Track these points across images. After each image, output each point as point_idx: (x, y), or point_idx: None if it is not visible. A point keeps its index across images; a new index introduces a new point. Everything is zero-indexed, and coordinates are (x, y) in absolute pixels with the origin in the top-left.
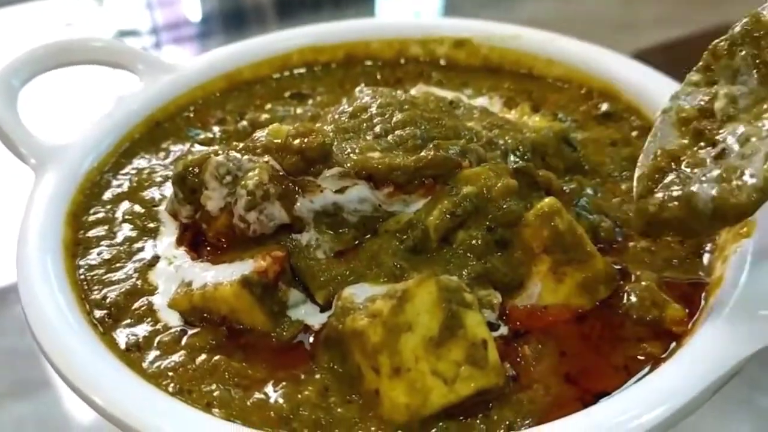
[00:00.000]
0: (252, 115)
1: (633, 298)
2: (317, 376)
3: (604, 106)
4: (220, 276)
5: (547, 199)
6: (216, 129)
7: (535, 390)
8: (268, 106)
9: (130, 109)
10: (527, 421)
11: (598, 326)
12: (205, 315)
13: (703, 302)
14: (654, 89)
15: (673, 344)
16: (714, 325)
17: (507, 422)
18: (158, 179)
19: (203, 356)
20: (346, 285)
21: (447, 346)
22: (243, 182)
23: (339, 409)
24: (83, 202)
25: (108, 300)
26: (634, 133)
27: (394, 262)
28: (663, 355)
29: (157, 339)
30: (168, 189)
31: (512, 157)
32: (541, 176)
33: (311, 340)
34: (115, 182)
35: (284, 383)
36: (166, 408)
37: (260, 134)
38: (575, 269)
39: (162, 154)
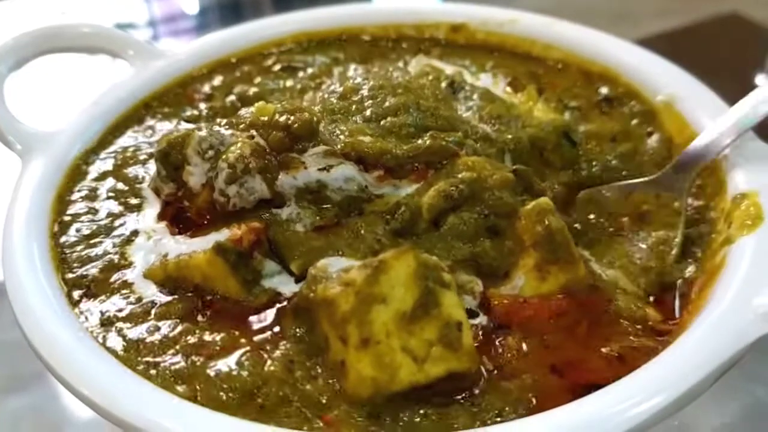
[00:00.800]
0: (240, 89)
1: (620, 303)
2: (282, 345)
3: (604, 90)
4: (196, 246)
5: (543, 198)
6: (203, 106)
7: (523, 379)
8: (258, 79)
9: (119, 95)
10: (520, 410)
11: (583, 323)
12: (179, 285)
13: (693, 295)
14: (652, 72)
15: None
16: (712, 315)
17: (496, 410)
18: (143, 157)
19: (170, 326)
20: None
21: (420, 323)
22: (224, 155)
23: (307, 386)
24: (68, 184)
25: (86, 277)
26: (634, 122)
27: (375, 238)
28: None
29: (129, 310)
30: (152, 166)
31: (509, 156)
32: (538, 185)
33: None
34: (99, 161)
35: (249, 354)
36: (133, 389)
37: (245, 111)
38: (559, 270)
39: (149, 132)
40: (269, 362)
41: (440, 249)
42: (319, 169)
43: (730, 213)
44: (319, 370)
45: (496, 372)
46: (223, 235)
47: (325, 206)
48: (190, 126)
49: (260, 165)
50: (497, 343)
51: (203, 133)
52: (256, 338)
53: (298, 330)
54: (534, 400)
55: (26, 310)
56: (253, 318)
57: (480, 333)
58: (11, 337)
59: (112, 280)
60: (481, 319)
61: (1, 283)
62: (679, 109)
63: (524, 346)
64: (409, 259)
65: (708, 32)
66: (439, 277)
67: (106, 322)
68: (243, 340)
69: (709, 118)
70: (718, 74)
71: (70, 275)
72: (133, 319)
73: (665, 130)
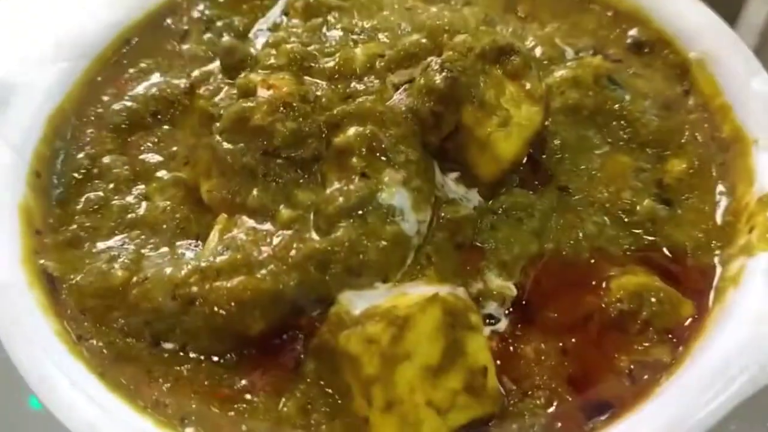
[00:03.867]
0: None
1: (652, 299)
2: (301, 387)
3: (633, 32)
4: None
5: None
6: None
7: (535, 398)
8: None
9: None
10: None
11: (602, 324)
12: None
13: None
14: (688, 17)
15: (681, 348)
16: (730, 333)
17: None
18: None
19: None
20: None
21: (445, 374)
22: None
23: (323, 427)
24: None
25: None
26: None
27: None
28: (671, 361)
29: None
30: None
31: None
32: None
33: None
34: None
35: (265, 394)
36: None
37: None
38: None
39: None
40: (283, 401)
41: None
42: None
43: (753, 215)
44: (338, 412)
45: (514, 390)
46: None
47: None
48: None
49: None
50: (517, 350)
51: None
52: (274, 378)
53: (319, 376)
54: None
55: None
56: (271, 357)
57: (499, 344)
58: None
59: None
60: (502, 324)
61: None
62: (713, 71)
63: (542, 354)
64: (435, 311)
65: None
66: (466, 321)
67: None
68: (262, 379)
69: (739, 90)
70: None
71: None
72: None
73: (700, 92)
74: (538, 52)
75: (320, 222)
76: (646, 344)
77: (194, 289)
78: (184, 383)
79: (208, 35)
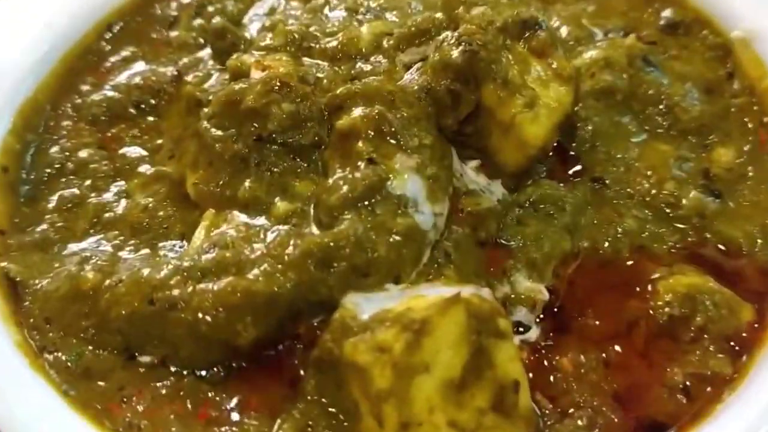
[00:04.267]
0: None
1: (706, 302)
2: (300, 407)
3: (666, 12)
4: None
5: None
6: None
7: (575, 418)
8: None
9: None
10: None
11: (650, 332)
12: None
13: None
14: None
15: (743, 359)
16: None
17: None
18: None
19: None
20: None
21: (470, 389)
22: None
23: None
24: None
25: None
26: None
27: None
28: (733, 373)
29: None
30: None
31: None
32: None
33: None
34: None
35: (258, 415)
36: None
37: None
38: None
39: None
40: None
41: None
42: None
43: None
44: None
45: (550, 409)
46: None
47: None
48: None
49: None
50: (552, 362)
51: None
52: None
53: (321, 393)
54: None
55: None
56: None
57: (532, 355)
58: None
59: None
60: (532, 332)
61: None
62: (758, 51)
63: (581, 367)
64: (458, 314)
65: None
66: (493, 327)
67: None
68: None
69: None
70: None
71: None
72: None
73: (745, 74)
74: (563, 32)
75: (321, 214)
76: (702, 354)
77: (175, 292)
78: (162, 402)
79: (198, 21)
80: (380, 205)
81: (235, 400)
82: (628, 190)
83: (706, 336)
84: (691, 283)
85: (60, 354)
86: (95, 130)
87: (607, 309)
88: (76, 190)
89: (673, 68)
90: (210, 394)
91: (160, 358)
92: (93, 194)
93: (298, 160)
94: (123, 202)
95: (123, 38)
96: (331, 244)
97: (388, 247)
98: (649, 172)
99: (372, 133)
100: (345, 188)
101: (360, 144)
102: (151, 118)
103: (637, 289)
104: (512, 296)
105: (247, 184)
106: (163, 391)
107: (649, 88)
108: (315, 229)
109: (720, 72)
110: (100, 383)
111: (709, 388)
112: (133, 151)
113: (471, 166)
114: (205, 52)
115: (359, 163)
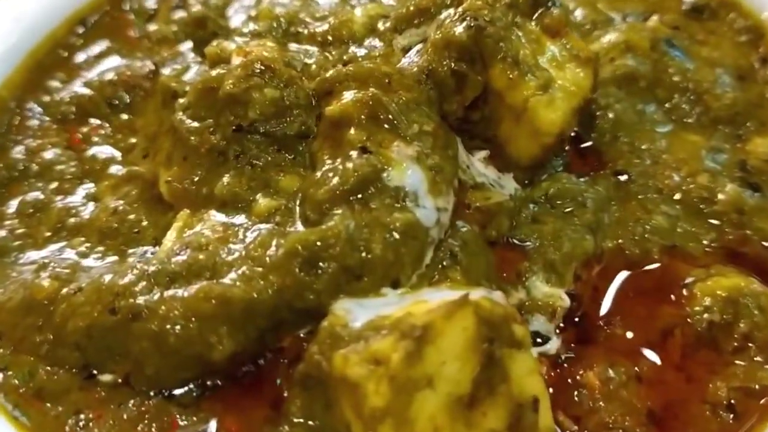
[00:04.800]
0: None
1: (751, 307)
2: (285, 430)
3: None
4: None
5: None
6: None
7: None
8: None
9: None
10: None
11: (687, 342)
12: None
13: None
14: None
15: None
16: None
17: None
18: None
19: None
20: None
21: (481, 408)
22: None
23: None
24: None
25: None
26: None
27: None
28: None
29: None
30: None
31: None
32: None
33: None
34: None
35: None
36: None
37: None
38: None
39: None
40: None
41: None
42: None
43: None
44: None
45: (575, 431)
46: None
47: None
48: None
49: None
50: (576, 378)
51: None
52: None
53: (308, 413)
54: None
55: None
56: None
57: (553, 369)
58: None
59: None
60: (552, 344)
61: None
62: None
63: (610, 383)
64: (466, 319)
65: None
66: (507, 335)
67: None
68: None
69: None
70: None
71: None
72: None
73: None
74: (578, 15)
75: (308, 210)
76: (748, 365)
77: (140, 299)
78: (125, 428)
79: (179, 14)
80: (375, 198)
81: (210, 425)
82: (656, 184)
83: (751, 344)
84: (733, 285)
85: (9, 373)
86: (63, 129)
87: (637, 317)
88: (39, 194)
89: (699, 54)
90: (180, 417)
91: (123, 376)
92: (58, 198)
93: (283, 152)
94: (90, 205)
95: (97, 32)
96: (319, 242)
97: (384, 246)
98: (678, 165)
99: (365, 119)
100: (335, 180)
101: (352, 131)
102: (124, 116)
103: (671, 293)
104: (528, 303)
105: (225, 179)
106: (126, 415)
107: (675, 74)
108: (301, 228)
109: (752, 57)
110: (55, 406)
111: (757, 404)
112: (104, 151)
113: (478, 157)
114: (186, 46)
115: (351, 153)
